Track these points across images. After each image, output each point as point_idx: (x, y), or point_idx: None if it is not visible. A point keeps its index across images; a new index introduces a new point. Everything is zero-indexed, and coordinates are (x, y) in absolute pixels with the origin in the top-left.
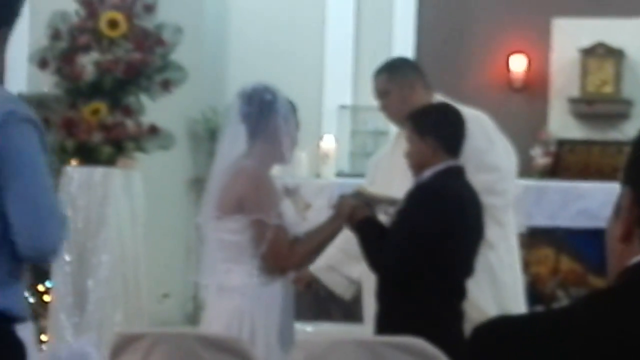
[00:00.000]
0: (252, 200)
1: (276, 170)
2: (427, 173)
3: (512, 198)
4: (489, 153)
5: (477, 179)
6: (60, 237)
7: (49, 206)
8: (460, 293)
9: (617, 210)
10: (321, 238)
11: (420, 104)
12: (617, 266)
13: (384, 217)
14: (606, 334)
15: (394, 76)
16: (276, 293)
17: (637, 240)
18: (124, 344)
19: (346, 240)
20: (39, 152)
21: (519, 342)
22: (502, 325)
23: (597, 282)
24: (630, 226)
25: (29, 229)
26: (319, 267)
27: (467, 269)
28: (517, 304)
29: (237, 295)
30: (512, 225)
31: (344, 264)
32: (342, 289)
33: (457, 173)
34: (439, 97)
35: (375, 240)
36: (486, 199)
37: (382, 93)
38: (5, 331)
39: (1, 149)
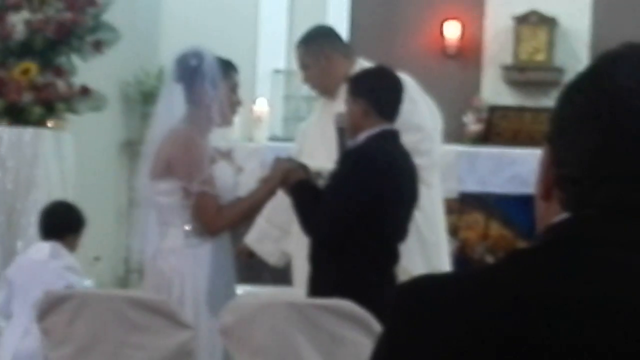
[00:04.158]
0: (179, 165)
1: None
2: (362, 136)
3: (438, 158)
4: (412, 113)
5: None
6: None
7: None
8: (392, 257)
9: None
10: (254, 200)
11: (341, 73)
12: (543, 225)
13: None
14: (528, 291)
15: (309, 49)
16: (205, 255)
17: (556, 199)
18: (52, 303)
19: (274, 212)
20: None
21: (442, 300)
22: (425, 284)
23: None
24: (549, 184)
25: None
26: (251, 239)
27: (399, 233)
28: (443, 264)
29: (167, 257)
30: (438, 186)
31: (274, 236)
32: (275, 259)
33: (392, 137)
34: (362, 62)
35: (309, 203)
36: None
37: (302, 66)
38: None
39: None
